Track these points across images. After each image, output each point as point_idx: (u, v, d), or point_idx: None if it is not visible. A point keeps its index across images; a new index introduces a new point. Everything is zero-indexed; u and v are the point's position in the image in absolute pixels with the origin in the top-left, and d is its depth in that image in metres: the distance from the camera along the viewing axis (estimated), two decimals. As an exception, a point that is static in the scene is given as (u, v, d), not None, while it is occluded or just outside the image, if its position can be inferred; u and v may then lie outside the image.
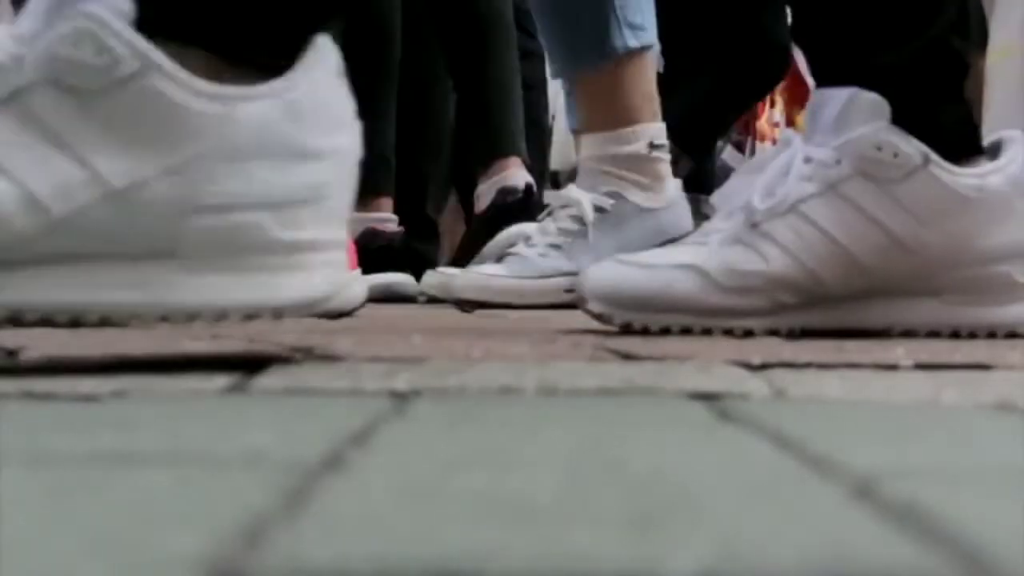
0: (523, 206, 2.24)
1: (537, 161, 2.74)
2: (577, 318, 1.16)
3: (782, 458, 0.43)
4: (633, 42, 1.72)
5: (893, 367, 0.74)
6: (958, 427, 0.54)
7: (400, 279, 2.23)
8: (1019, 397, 0.60)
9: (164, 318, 0.70)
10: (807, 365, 0.75)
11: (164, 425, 0.52)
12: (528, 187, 2.29)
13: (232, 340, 0.92)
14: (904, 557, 0.28)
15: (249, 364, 0.71)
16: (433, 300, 2.20)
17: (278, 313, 0.72)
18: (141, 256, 0.70)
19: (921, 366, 0.75)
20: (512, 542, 0.29)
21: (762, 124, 4.69)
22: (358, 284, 1.53)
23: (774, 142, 4.66)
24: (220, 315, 0.70)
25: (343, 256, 0.76)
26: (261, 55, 0.73)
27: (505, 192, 2.28)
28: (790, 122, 4.70)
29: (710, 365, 0.75)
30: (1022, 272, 1.05)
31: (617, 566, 0.27)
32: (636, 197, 1.68)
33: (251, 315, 0.71)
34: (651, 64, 1.78)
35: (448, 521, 0.32)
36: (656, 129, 1.71)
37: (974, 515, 0.33)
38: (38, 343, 0.83)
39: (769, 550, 0.29)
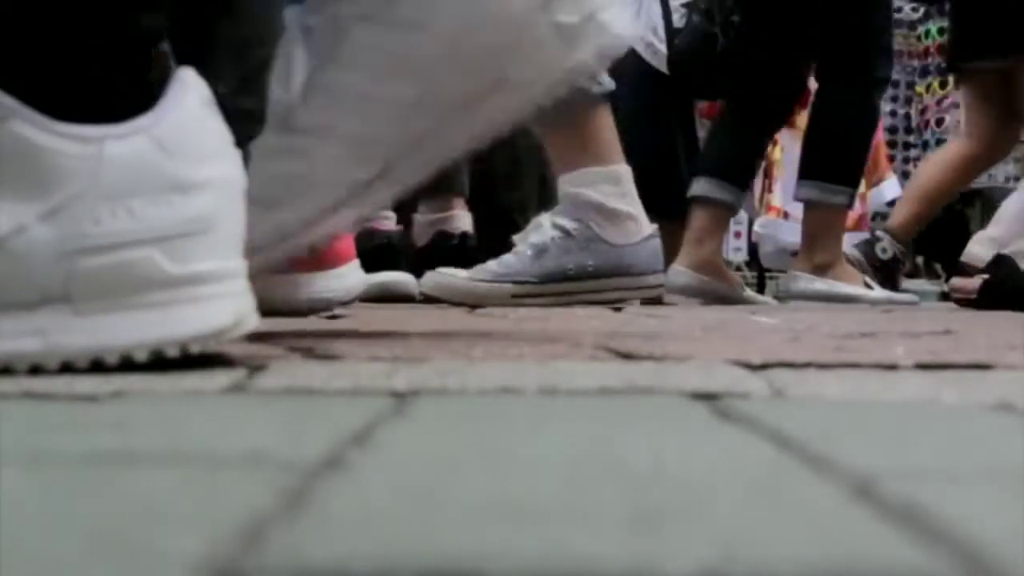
0: (459, 251, 2.32)
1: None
2: (577, 319, 1.15)
3: (782, 458, 0.43)
4: None
5: (893, 367, 0.74)
6: (958, 427, 0.54)
7: (398, 278, 2.23)
8: (1019, 397, 0.60)
9: (67, 365, 0.69)
10: (807, 365, 0.75)
11: (164, 425, 0.52)
12: (463, 234, 2.37)
13: (232, 340, 0.92)
14: (904, 557, 0.28)
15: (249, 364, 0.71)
16: (431, 300, 2.20)
17: (184, 347, 0.71)
18: (34, 303, 0.70)
19: (921, 366, 0.75)
20: (512, 542, 0.29)
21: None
22: (354, 275, 1.54)
23: (775, 143, 4.65)
24: (125, 357, 0.70)
25: (242, 284, 0.75)
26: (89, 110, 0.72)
27: (443, 236, 2.36)
28: (790, 123, 4.69)
29: (710, 365, 0.75)
30: None
31: (617, 566, 0.27)
32: None
33: (157, 352, 0.71)
34: None
35: (448, 521, 0.32)
36: None
37: (974, 515, 0.33)
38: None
39: (769, 550, 0.29)
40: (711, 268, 2.82)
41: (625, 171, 1.89)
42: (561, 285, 1.87)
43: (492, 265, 1.95)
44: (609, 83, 1.88)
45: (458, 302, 1.89)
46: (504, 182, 2.67)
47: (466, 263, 2.30)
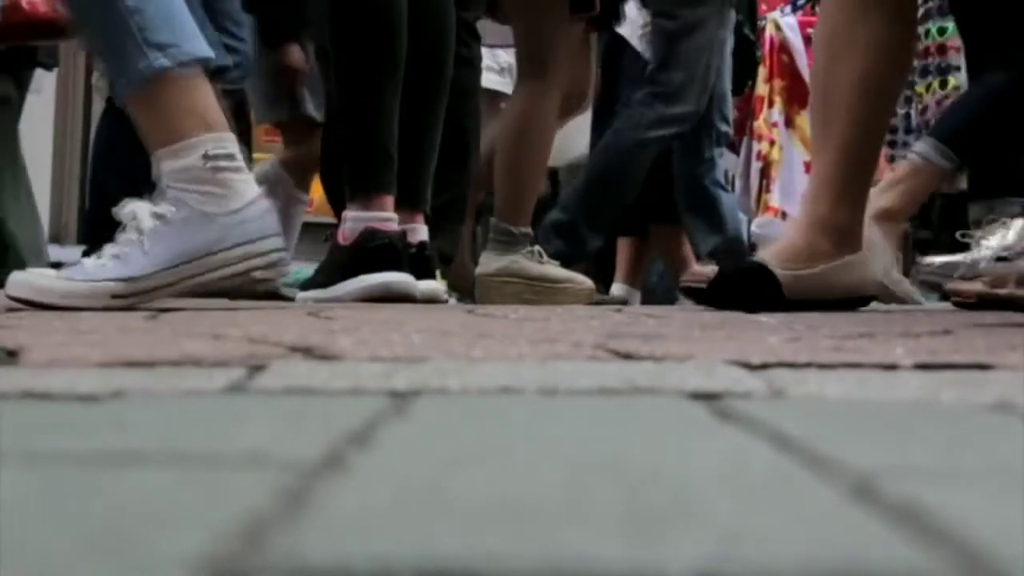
0: (418, 260, 2.32)
1: (457, 169, 2.77)
2: (577, 319, 1.15)
3: (782, 458, 0.43)
4: (162, 62, 1.72)
5: (893, 367, 0.74)
6: (958, 427, 0.54)
7: (400, 278, 2.22)
8: (1019, 397, 0.60)
9: None
10: (807, 365, 0.75)
11: (164, 425, 0.52)
12: (422, 244, 2.39)
13: (232, 340, 0.92)
14: (904, 557, 0.28)
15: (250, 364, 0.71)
16: (430, 299, 2.20)
17: None
18: None
19: (921, 366, 0.75)
20: (512, 542, 0.29)
21: (760, 124, 4.69)
22: None
23: (772, 143, 4.66)
24: None
25: None
26: None
27: (418, 245, 2.36)
28: (789, 122, 4.70)
29: (710, 365, 0.75)
30: None
31: (617, 566, 0.27)
32: (201, 205, 1.69)
33: None
34: (194, 79, 1.75)
35: (448, 521, 0.32)
36: (212, 139, 1.72)
37: (974, 515, 0.33)
38: (38, 343, 0.83)
39: (769, 550, 0.29)
40: None
41: (212, 139, 1.75)
42: (168, 274, 1.75)
43: (90, 262, 1.82)
44: (186, 52, 1.76)
45: (51, 305, 1.72)
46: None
47: (425, 272, 2.31)
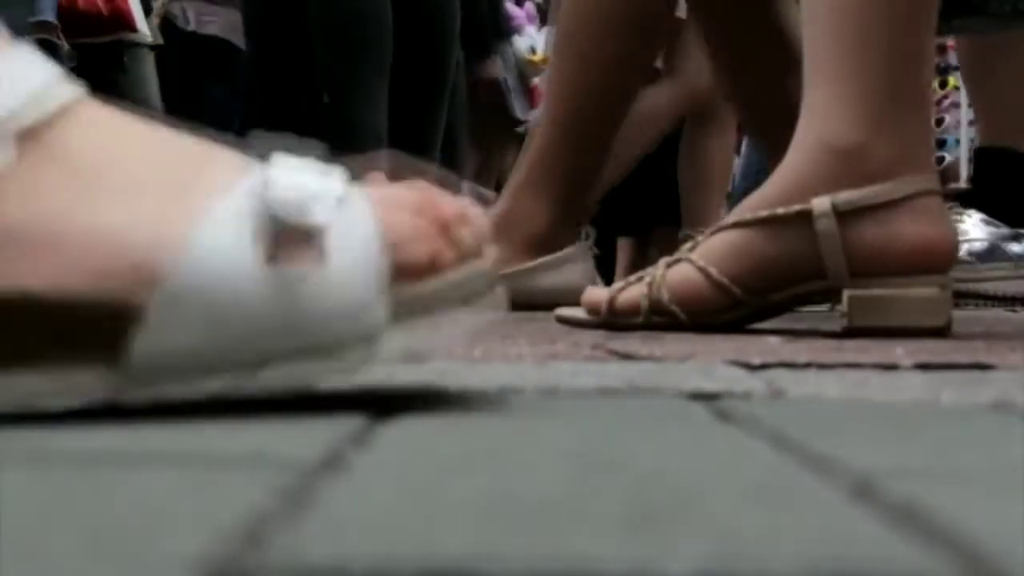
0: None
1: (448, 165, 2.79)
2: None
3: (782, 458, 0.43)
4: None
5: (893, 367, 0.74)
6: (958, 427, 0.54)
7: None
8: (1019, 397, 0.60)
9: None
10: (807, 365, 0.75)
11: (164, 425, 0.52)
12: None
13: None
14: (904, 557, 0.28)
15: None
16: None
17: None
18: None
19: (921, 366, 0.75)
20: (512, 542, 0.29)
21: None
22: None
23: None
24: None
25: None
26: None
27: None
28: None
29: (710, 365, 0.75)
30: None
31: (617, 566, 0.27)
32: None
33: None
34: None
35: (448, 521, 0.32)
36: None
37: (974, 515, 0.33)
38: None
39: (769, 550, 0.29)
40: None
41: None
42: None
43: None
44: None
45: None
46: None
47: None
